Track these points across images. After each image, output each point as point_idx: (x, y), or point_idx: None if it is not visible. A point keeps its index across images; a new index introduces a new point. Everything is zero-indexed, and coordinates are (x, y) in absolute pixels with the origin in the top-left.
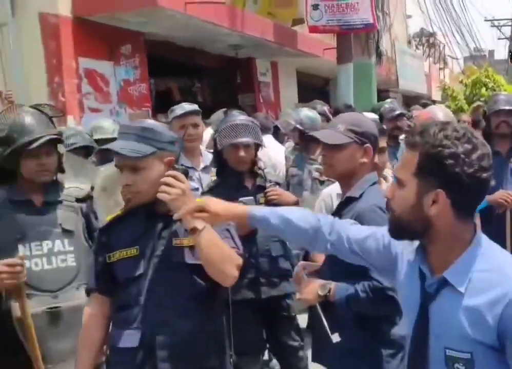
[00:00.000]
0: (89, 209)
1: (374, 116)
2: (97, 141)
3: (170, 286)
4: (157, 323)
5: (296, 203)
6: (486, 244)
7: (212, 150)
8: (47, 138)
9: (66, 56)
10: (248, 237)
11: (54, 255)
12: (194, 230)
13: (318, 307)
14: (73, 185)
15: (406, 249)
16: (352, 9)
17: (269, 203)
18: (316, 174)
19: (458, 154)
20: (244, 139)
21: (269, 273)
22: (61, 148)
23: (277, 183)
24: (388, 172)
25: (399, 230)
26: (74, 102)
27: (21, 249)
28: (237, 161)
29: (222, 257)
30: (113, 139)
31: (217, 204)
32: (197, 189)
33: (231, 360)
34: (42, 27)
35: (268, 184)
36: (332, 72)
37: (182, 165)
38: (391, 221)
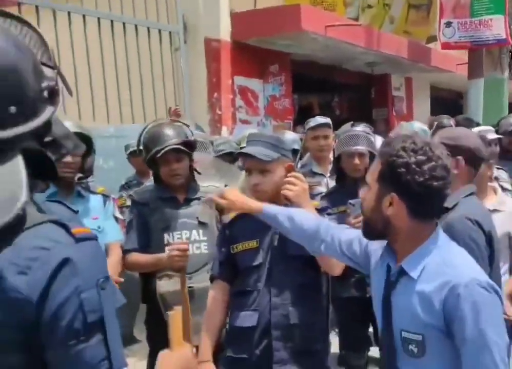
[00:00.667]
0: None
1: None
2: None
3: (285, 275)
4: (273, 306)
5: None
6: (443, 241)
7: None
8: (171, 147)
9: (224, 75)
10: None
11: (191, 243)
12: None
13: None
14: (210, 183)
15: (379, 248)
16: (485, 25)
17: None
18: None
19: (410, 163)
20: (359, 147)
21: None
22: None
23: None
24: (505, 185)
25: (367, 230)
26: (228, 115)
27: (166, 237)
28: (352, 168)
29: None
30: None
31: (236, 194)
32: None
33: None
34: (206, 50)
35: None
36: (466, 86)
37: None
38: (362, 221)
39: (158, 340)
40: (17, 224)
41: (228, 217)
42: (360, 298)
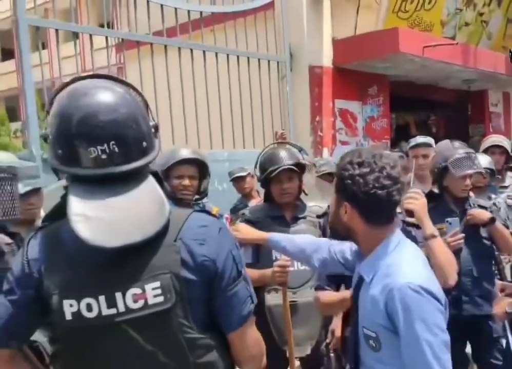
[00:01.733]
0: (325, 223)
1: None
2: None
3: None
4: None
5: (491, 220)
6: (396, 245)
7: None
8: (285, 167)
9: (326, 99)
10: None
11: None
12: (431, 236)
13: (507, 324)
14: (315, 203)
15: None
16: None
17: (467, 222)
18: (509, 201)
19: (355, 175)
20: (471, 170)
21: (471, 293)
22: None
23: (481, 206)
24: None
25: (332, 232)
26: (329, 137)
27: (274, 254)
28: (462, 190)
29: (448, 261)
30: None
31: (247, 228)
32: None
33: None
34: (310, 77)
35: (470, 208)
36: None
37: None
38: (329, 224)
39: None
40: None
41: None
42: (456, 316)
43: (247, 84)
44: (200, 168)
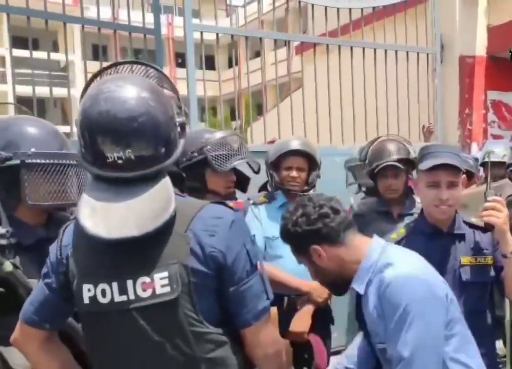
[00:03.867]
0: None
1: None
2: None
3: (459, 301)
4: None
5: None
6: (382, 250)
7: None
8: (389, 163)
9: (477, 90)
10: None
11: None
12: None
13: None
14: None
15: None
16: None
17: None
18: None
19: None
20: None
21: None
22: None
23: None
24: None
25: (335, 293)
26: (479, 130)
27: None
28: None
29: None
30: (502, 163)
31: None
32: None
33: None
34: (460, 67)
35: None
36: None
37: None
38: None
39: None
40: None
41: None
42: None
43: (393, 78)
44: (310, 160)
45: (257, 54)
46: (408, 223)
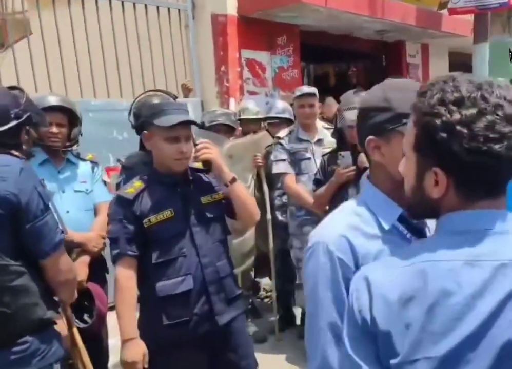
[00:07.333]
0: None
1: None
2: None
3: (206, 235)
4: (204, 266)
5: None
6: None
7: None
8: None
9: (231, 49)
10: None
11: None
12: (233, 180)
13: None
14: None
15: None
16: None
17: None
18: None
19: (454, 123)
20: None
21: None
22: None
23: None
24: None
25: (412, 214)
26: (235, 87)
27: None
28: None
29: (251, 200)
30: (256, 119)
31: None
32: (309, 158)
33: None
34: (213, 26)
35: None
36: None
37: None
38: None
39: None
40: None
41: None
42: None
43: (145, 33)
44: (69, 116)
45: None
46: (141, 176)
